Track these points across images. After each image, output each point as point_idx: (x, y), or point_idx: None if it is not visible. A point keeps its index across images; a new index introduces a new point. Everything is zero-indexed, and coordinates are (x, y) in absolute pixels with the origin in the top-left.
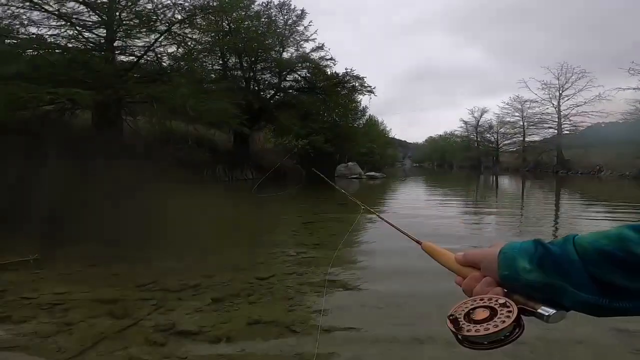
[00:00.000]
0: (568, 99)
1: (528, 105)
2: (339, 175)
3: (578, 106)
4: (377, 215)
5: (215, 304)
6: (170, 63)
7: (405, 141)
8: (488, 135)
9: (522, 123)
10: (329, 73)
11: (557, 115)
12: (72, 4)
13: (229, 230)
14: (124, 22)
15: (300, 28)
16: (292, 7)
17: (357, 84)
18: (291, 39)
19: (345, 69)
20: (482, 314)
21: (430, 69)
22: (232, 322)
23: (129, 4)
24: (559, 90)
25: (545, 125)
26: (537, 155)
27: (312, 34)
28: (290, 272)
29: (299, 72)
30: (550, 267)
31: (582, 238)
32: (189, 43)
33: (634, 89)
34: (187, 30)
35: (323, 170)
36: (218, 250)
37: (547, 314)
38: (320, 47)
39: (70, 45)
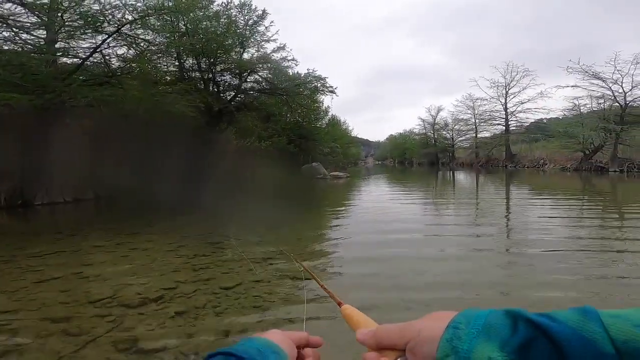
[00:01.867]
0: (514, 97)
1: (479, 103)
2: (303, 176)
3: (523, 103)
4: (309, 272)
5: (179, 318)
6: (120, 65)
7: (367, 140)
8: (444, 133)
9: (474, 120)
10: (290, 74)
11: (504, 112)
12: (9, 5)
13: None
14: (67, 23)
15: (262, 28)
16: (253, 7)
17: (319, 85)
18: (252, 40)
19: (307, 70)
20: None
21: (392, 69)
22: (199, 335)
23: (72, 4)
24: (505, 89)
25: (494, 122)
26: (488, 151)
27: (273, 35)
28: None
29: (260, 73)
30: None
31: (618, 315)
32: (141, 44)
33: (571, 86)
34: (139, 32)
35: (288, 170)
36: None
37: None
38: (281, 48)
39: (5, 47)
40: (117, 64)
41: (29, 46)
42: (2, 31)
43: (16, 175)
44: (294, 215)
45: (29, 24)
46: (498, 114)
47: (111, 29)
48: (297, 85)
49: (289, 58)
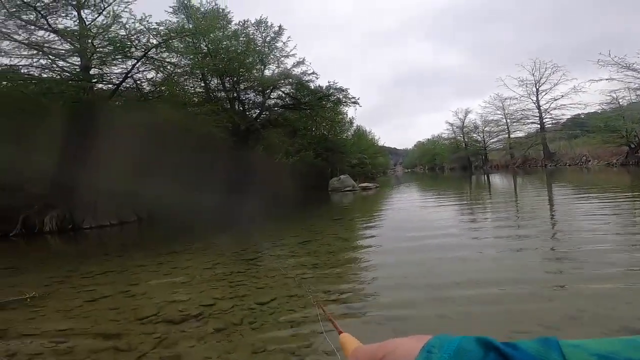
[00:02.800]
0: (545, 94)
1: (509, 103)
2: (332, 190)
3: (556, 100)
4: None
5: (218, 334)
6: (150, 89)
7: (395, 148)
8: (474, 135)
9: (505, 120)
10: (312, 87)
11: (537, 110)
12: (42, 32)
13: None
14: (97, 49)
15: (279, 44)
16: (269, 24)
17: (341, 96)
18: (271, 56)
19: (328, 82)
20: None
21: (414, 74)
22: (237, 351)
23: (101, 31)
24: (535, 86)
25: (527, 120)
26: (524, 151)
27: (291, 50)
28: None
29: (282, 89)
30: None
31: (578, 345)
32: (168, 67)
33: (606, 79)
34: (164, 55)
35: (316, 185)
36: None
37: None
38: (301, 62)
39: (44, 75)
40: (148, 87)
41: (66, 73)
42: (40, 59)
43: (66, 201)
44: (326, 228)
45: (63, 51)
46: (531, 112)
47: (139, 53)
48: (319, 98)
49: (309, 72)
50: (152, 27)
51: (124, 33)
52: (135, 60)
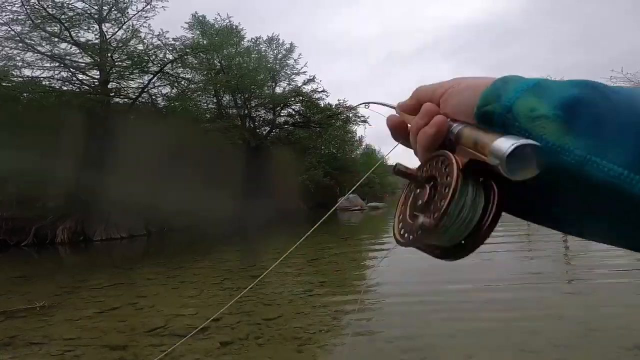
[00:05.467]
0: None
1: None
2: (341, 209)
3: None
4: None
5: (224, 348)
6: (165, 104)
7: (405, 166)
8: None
9: None
10: (322, 105)
11: None
12: (64, 45)
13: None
14: (116, 63)
15: (291, 61)
16: (281, 41)
17: (350, 115)
18: (282, 73)
19: (338, 100)
20: (422, 193)
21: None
22: None
23: (120, 45)
24: None
25: None
26: None
27: (302, 67)
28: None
29: (292, 107)
30: (600, 123)
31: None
32: (182, 83)
33: None
34: (179, 70)
35: (324, 204)
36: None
37: (501, 152)
38: (311, 80)
39: (64, 88)
40: (163, 103)
41: (86, 87)
42: (61, 71)
43: (79, 214)
44: (333, 248)
45: (84, 64)
46: None
47: (155, 68)
48: (329, 116)
49: (319, 90)
50: (169, 42)
51: (142, 48)
52: (152, 75)
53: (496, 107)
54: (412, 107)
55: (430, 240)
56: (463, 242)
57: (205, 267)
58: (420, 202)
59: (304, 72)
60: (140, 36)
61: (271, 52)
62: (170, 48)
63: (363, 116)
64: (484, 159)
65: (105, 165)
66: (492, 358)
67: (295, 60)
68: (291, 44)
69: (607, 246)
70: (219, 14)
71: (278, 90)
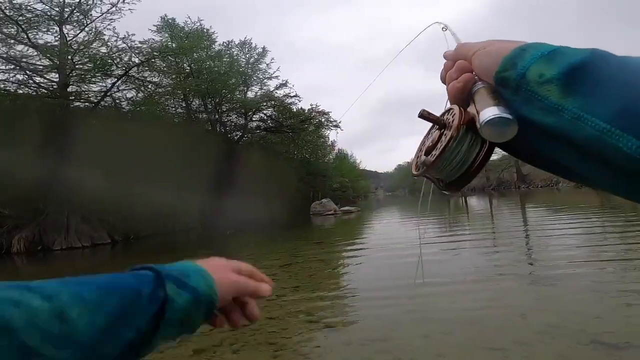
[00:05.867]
0: None
1: None
2: (314, 213)
3: None
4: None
5: (197, 355)
6: (130, 108)
7: (376, 172)
8: None
9: None
10: (294, 110)
11: None
12: (21, 47)
13: None
14: (77, 66)
15: (263, 66)
16: (254, 45)
17: (322, 119)
18: (254, 78)
19: (311, 105)
20: (434, 136)
21: (400, 98)
22: None
23: (82, 47)
24: None
25: None
26: (498, 173)
27: (275, 71)
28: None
29: (264, 112)
30: (596, 85)
31: None
32: (149, 86)
33: None
34: (146, 74)
35: (298, 208)
36: None
37: (482, 120)
38: (284, 84)
39: (20, 91)
40: (128, 107)
41: (43, 90)
42: (16, 74)
43: (36, 222)
44: (307, 252)
45: (41, 67)
46: None
47: (119, 72)
48: (301, 121)
49: (291, 94)
50: (135, 45)
51: (105, 50)
52: (116, 79)
53: (511, 73)
54: (452, 59)
55: (433, 174)
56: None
57: None
58: (431, 143)
59: (277, 77)
60: (104, 38)
61: (243, 56)
62: (137, 51)
63: (335, 120)
64: (476, 121)
65: (64, 171)
66: (462, 357)
67: (267, 64)
68: (264, 47)
69: (565, 239)
70: (189, 16)
71: (250, 94)
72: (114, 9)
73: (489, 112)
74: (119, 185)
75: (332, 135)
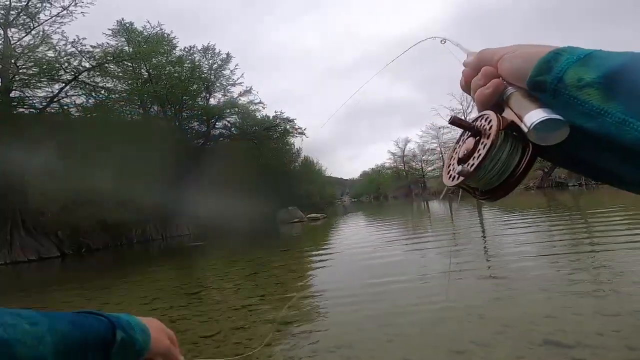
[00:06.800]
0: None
1: (442, 132)
2: (280, 221)
3: None
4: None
5: None
6: (80, 114)
7: (341, 178)
8: (414, 164)
9: (440, 149)
10: (259, 117)
11: None
12: None
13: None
14: (21, 70)
15: (227, 72)
16: (217, 51)
17: (288, 127)
18: (217, 84)
19: (275, 112)
20: (468, 143)
21: (365, 106)
22: None
23: (26, 51)
24: (464, 114)
25: None
26: None
27: (239, 78)
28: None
29: (228, 119)
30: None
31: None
32: (102, 92)
33: None
34: (98, 79)
35: (264, 217)
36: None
37: (530, 123)
38: (248, 91)
39: None
40: (77, 113)
41: None
42: None
43: None
44: (273, 261)
45: None
46: None
47: (68, 76)
48: (266, 128)
49: (256, 101)
50: (87, 49)
51: (53, 55)
52: (64, 84)
53: (547, 77)
54: (475, 66)
55: (470, 184)
56: (497, 185)
57: (132, 287)
58: (465, 152)
59: (240, 83)
60: (52, 42)
61: (206, 62)
62: (88, 55)
63: (300, 127)
64: (520, 123)
65: (4, 180)
66: (426, 359)
67: (231, 70)
68: (228, 54)
69: (518, 237)
70: (148, 21)
71: (213, 101)
72: (64, 12)
73: (536, 114)
74: (67, 195)
75: (297, 142)
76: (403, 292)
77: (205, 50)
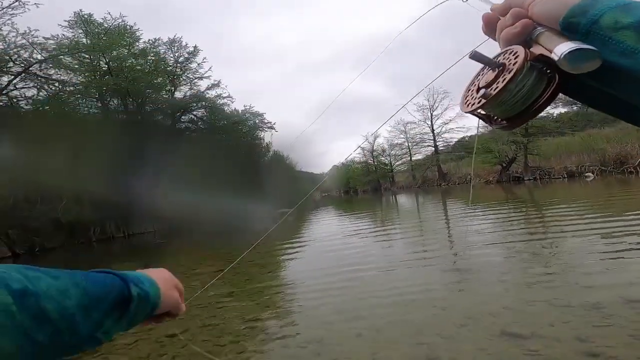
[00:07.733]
0: (438, 118)
1: (410, 127)
2: (250, 216)
3: (446, 124)
4: None
5: None
6: (30, 107)
7: (312, 173)
8: (383, 159)
9: (407, 144)
10: (227, 111)
11: (432, 134)
12: None
13: None
14: None
15: (194, 65)
16: (184, 43)
17: (257, 121)
18: (184, 77)
19: (244, 106)
20: (488, 75)
21: (336, 102)
22: None
23: None
24: (430, 111)
25: (424, 144)
26: (422, 172)
27: (206, 71)
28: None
29: (194, 112)
30: None
31: None
32: (56, 85)
33: None
34: (51, 72)
35: (232, 213)
36: None
37: (561, 52)
38: (216, 85)
39: None
40: (28, 107)
41: None
42: None
43: None
44: (242, 256)
45: None
46: (427, 135)
47: (18, 69)
48: (235, 123)
49: (224, 95)
50: (39, 41)
51: (2, 46)
52: (13, 77)
53: (581, 19)
54: (504, 9)
55: (487, 110)
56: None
57: None
58: (486, 82)
59: (208, 77)
60: (2, 34)
61: (172, 55)
62: (40, 47)
63: (269, 122)
64: (549, 54)
65: None
66: (393, 353)
67: (199, 64)
68: (195, 46)
69: (480, 228)
70: (109, 12)
71: (178, 95)
72: (16, 3)
73: (568, 44)
74: (17, 191)
75: (267, 136)
76: (370, 283)
77: (171, 42)
